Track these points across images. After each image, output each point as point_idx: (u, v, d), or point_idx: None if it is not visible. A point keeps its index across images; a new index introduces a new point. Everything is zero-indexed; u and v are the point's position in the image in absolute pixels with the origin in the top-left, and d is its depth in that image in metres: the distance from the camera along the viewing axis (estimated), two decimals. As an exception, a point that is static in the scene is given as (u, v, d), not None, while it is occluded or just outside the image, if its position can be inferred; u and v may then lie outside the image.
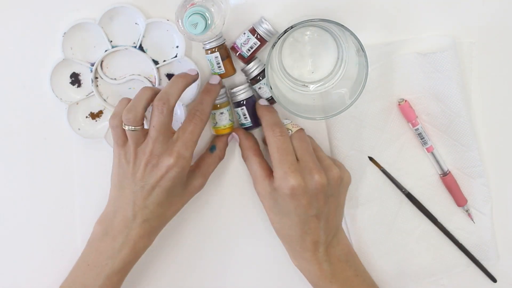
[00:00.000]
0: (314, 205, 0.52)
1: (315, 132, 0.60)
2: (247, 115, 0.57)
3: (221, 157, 0.58)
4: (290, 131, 0.55)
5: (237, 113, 0.58)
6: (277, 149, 0.52)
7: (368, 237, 0.61)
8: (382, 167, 0.60)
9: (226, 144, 0.59)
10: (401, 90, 0.59)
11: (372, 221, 0.61)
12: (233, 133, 0.58)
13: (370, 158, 0.60)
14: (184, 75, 0.54)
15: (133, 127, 0.51)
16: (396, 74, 0.59)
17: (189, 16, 0.50)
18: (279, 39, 0.51)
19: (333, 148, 0.60)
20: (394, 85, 0.59)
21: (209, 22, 0.50)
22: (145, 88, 0.53)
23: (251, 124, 0.58)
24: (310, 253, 0.54)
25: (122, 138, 0.53)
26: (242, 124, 0.58)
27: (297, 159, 0.53)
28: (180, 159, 0.51)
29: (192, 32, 0.51)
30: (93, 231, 0.56)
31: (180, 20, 0.51)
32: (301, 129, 0.56)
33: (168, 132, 0.52)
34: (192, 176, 0.56)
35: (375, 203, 0.61)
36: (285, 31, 0.50)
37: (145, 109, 0.52)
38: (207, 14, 0.50)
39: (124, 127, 0.52)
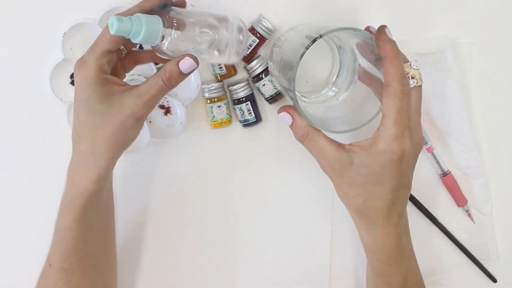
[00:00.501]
0: (410, 173, 0.48)
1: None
2: (252, 110, 0.57)
3: (167, 84, 0.48)
4: (415, 80, 0.47)
5: (240, 109, 0.58)
6: (399, 108, 0.45)
7: None
8: None
9: (177, 70, 0.47)
10: None
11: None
12: (186, 58, 0.47)
13: None
14: None
15: None
16: None
17: None
18: (307, 49, 0.45)
19: None
20: None
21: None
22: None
23: (255, 119, 0.58)
24: (392, 227, 0.49)
25: None
26: (246, 120, 0.58)
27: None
28: (81, 65, 0.46)
29: None
30: None
31: None
32: (421, 85, 0.48)
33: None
34: (124, 94, 0.47)
35: None
36: (314, 40, 0.45)
37: None
38: None
39: None
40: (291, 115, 0.49)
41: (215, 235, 0.63)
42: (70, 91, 0.59)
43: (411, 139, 0.46)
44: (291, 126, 0.50)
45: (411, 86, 0.47)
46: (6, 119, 0.60)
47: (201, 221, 0.62)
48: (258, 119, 0.58)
